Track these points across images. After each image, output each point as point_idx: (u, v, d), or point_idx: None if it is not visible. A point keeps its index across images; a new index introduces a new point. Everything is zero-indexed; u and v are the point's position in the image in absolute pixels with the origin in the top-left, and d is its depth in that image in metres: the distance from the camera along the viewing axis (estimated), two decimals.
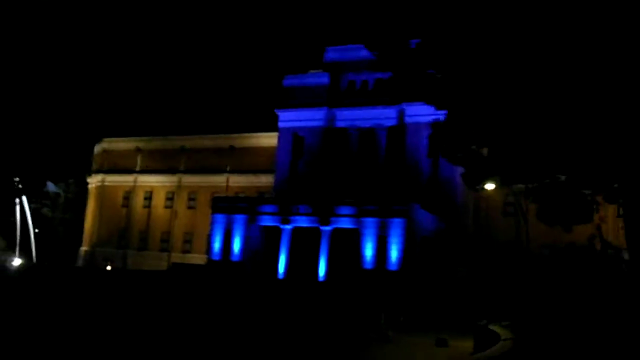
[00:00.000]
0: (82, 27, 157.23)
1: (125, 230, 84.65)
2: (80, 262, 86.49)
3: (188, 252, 79.84)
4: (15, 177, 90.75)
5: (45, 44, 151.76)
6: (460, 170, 60.72)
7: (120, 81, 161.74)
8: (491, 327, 26.12)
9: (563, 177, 29.07)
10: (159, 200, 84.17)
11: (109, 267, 74.12)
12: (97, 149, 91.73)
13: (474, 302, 42.83)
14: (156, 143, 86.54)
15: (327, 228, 53.10)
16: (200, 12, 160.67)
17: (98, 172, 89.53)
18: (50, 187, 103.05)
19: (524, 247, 64.87)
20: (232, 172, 79.81)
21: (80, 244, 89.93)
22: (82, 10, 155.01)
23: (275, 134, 74.91)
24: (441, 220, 57.43)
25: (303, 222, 54.25)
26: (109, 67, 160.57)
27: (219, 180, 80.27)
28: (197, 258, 75.69)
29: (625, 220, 25.59)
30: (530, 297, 27.62)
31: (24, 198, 79.83)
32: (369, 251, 50.15)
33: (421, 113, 61.55)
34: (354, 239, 51.74)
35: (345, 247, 52.50)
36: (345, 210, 52.47)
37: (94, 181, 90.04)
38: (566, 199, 27.67)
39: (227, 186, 78.97)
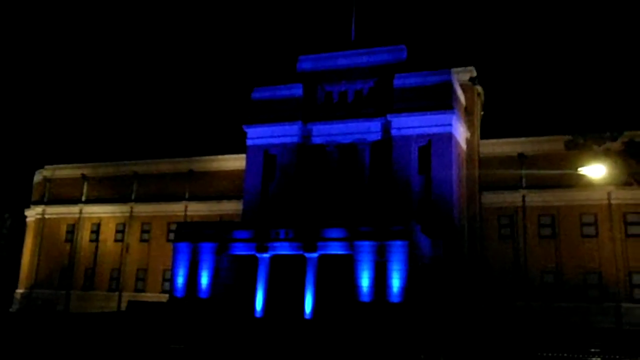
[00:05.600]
0: (19, 39, 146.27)
1: (68, 269, 74.76)
2: (15, 307, 75.83)
3: (142, 290, 70.51)
4: None
5: None
6: (456, 188, 54.89)
7: (63, 101, 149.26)
8: None
9: None
10: (108, 233, 74.71)
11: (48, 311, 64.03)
12: (37, 177, 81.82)
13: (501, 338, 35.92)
14: (105, 169, 77.43)
15: (314, 255, 45.27)
16: (153, 20, 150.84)
17: (38, 203, 79.50)
18: None
19: (522, 274, 59.16)
20: (192, 199, 71.57)
21: (15, 286, 79.27)
22: (20, 24, 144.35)
23: (240, 156, 67.36)
24: (438, 244, 50.44)
25: (284, 249, 46.32)
26: (49, 85, 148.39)
27: (176, 208, 71.86)
28: (152, 297, 66.83)
29: None
30: None
31: None
32: (365, 280, 42.48)
33: (410, 125, 55.39)
34: (346, 266, 44.07)
35: (336, 276, 44.80)
36: (334, 233, 44.81)
37: (32, 214, 79.91)
38: None
39: (186, 215, 70.78)
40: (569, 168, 57.74)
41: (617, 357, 32.40)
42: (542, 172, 57.33)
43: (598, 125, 41.74)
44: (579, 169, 25.14)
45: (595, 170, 25.29)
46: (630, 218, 56.06)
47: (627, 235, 55.74)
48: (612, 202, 56.42)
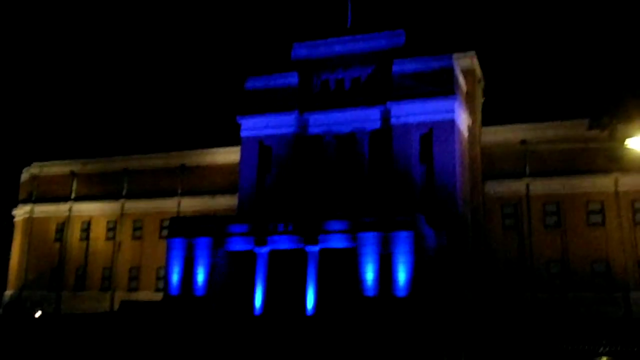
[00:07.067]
0: (6, 36, 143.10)
1: (58, 269, 72.45)
2: (3, 309, 73.44)
3: (135, 289, 68.34)
4: None
5: None
6: (459, 177, 53.07)
7: (50, 96, 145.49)
8: None
9: None
10: (98, 232, 72.43)
11: (38, 313, 61.69)
12: (25, 175, 79.47)
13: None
14: (94, 166, 75.13)
15: (315, 248, 43.30)
16: (142, 10, 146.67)
17: (25, 202, 77.14)
18: None
19: (528, 264, 57.44)
20: (185, 194, 69.43)
21: (4, 288, 76.90)
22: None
23: (234, 149, 65.19)
24: (442, 235, 48.60)
25: (283, 242, 44.31)
26: (35, 81, 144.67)
27: (169, 204, 69.66)
28: (146, 296, 64.67)
29: None
30: None
31: None
32: (369, 274, 40.55)
33: (410, 112, 53.46)
34: (348, 260, 42.12)
35: (339, 270, 42.83)
36: (336, 225, 42.84)
37: (20, 213, 77.52)
38: None
39: (179, 211, 68.34)
40: (576, 153, 56.19)
41: (628, 348, 30.81)
42: (552, 147, 55.31)
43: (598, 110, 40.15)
44: (626, 141, 22.76)
45: None
46: (638, 205, 54.44)
47: (635, 223, 54.14)
48: (620, 189, 54.76)
